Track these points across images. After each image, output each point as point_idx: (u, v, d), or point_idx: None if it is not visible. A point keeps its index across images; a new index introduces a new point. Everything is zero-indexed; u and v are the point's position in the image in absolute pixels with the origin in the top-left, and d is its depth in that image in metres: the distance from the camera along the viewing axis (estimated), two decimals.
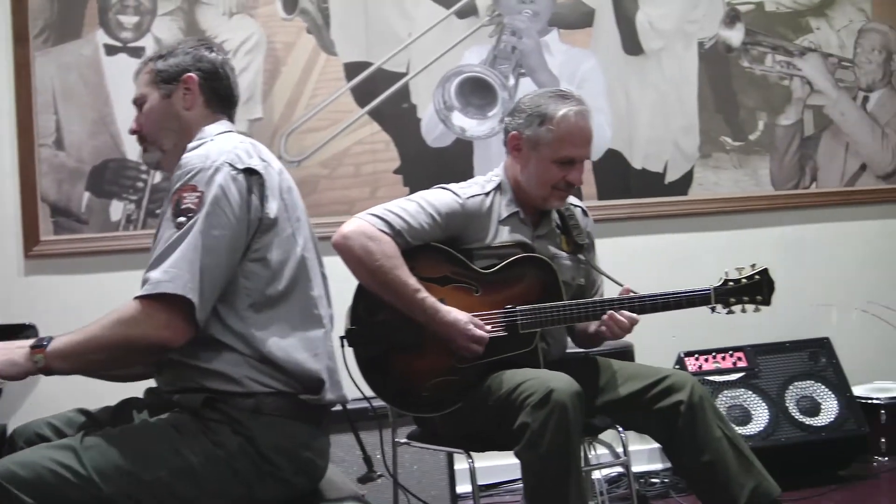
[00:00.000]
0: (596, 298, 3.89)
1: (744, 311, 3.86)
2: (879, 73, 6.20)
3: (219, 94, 3.14)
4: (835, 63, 6.14)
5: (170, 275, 2.75)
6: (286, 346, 2.92)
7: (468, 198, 3.86)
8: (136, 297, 2.77)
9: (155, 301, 2.75)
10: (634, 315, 3.79)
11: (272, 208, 2.94)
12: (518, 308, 3.76)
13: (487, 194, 3.90)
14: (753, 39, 6.01)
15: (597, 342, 4.06)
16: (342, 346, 3.65)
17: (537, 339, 3.79)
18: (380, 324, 3.76)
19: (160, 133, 3.11)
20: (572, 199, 4.08)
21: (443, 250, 3.82)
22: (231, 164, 2.88)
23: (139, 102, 3.14)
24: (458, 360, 3.73)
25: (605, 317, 3.78)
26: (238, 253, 2.88)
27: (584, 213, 4.16)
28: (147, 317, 2.76)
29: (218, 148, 2.93)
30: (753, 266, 3.88)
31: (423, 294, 3.68)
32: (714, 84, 5.98)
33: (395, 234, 3.71)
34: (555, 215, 4.03)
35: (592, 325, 3.92)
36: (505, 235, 3.88)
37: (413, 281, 3.68)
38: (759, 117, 6.04)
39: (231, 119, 3.18)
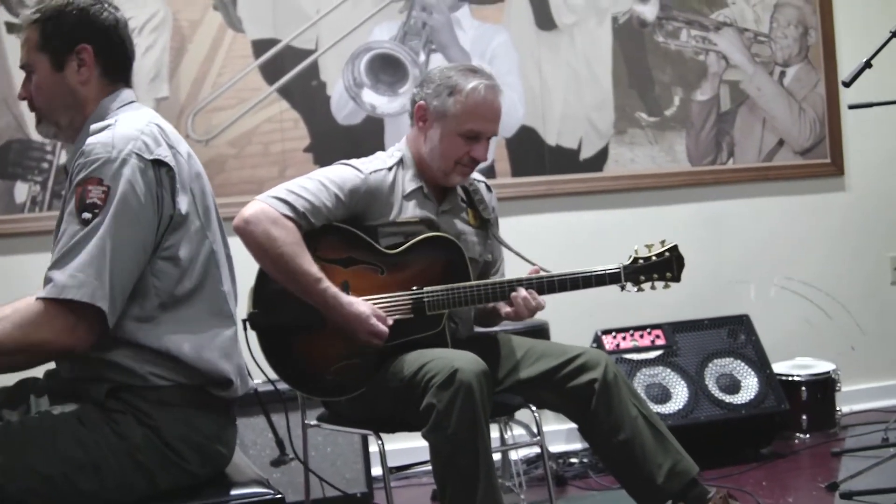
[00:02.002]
0: (505, 279, 3.82)
1: (653, 288, 3.86)
2: (796, 47, 6.18)
3: (116, 62, 2.95)
4: (751, 38, 6.12)
5: (77, 280, 2.62)
6: (196, 345, 2.82)
7: (370, 173, 3.79)
8: (40, 299, 2.65)
9: (60, 305, 2.62)
10: (542, 300, 3.77)
11: (183, 203, 2.81)
12: (425, 289, 3.72)
13: (390, 169, 3.84)
14: (668, 14, 5.97)
15: (495, 319, 4.03)
16: (244, 329, 3.60)
17: (445, 320, 3.75)
18: (282, 307, 3.69)
19: (54, 109, 2.92)
20: (476, 175, 4.03)
21: (346, 230, 3.75)
22: (138, 155, 2.73)
23: (27, 70, 2.94)
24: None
25: (514, 295, 3.73)
26: (148, 252, 2.75)
27: (488, 188, 4.12)
28: (51, 321, 2.63)
29: (123, 133, 2.76)
30: (663, 243, 3.89)
31: (325, 284, 3.61)
32: (628, 59, 5.94)
33: (299, 216, 3.64)
34: (459, 190, 3.99)
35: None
36: (409, 211, 3.82)
37: (315, 270, 3.60)
38: (675, 93, 6.01)
39: (129, 82, 3.00)
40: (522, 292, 3.73)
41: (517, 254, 4.01)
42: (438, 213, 3.89)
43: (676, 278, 3.87)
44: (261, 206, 3.64)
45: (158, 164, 2.76)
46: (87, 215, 2.67)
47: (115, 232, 2.66)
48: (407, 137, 3.97)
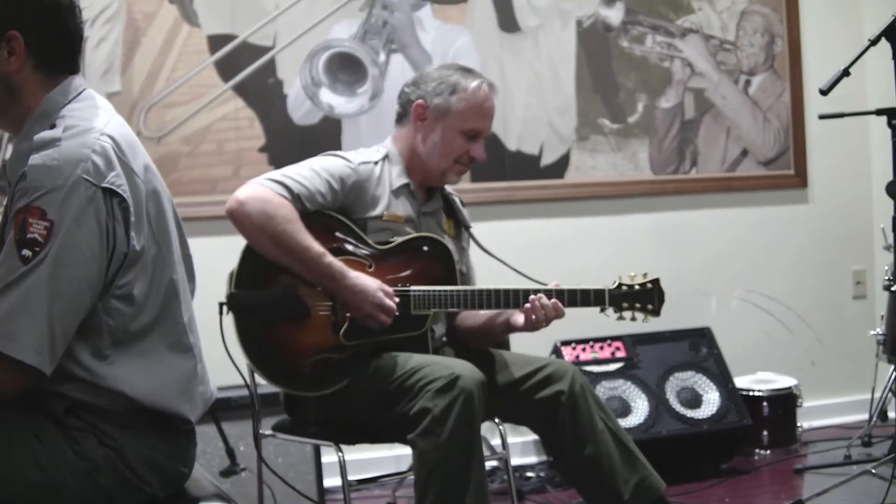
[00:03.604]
0: (494, 287, 3.75)
1: (633, 319, 3.84)
2: (762, 56, 6.12)
3: (54, 51, 2.64)
4: (716, 45, 6.05)
5: (7, 329, 2.40)
6: (152, 384, 2.63)
7: (360, 164, 3.78)
8: None
9: None
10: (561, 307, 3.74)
11: (139, 239, 2.57)
12: (412, 288, 3.68)
13: (376, 163, 3.82)
14: (633, 19, 5.89)
15: (493, 331, 3.95)
16: (220, 312, 3.54)
17: (429, 323, 3.70)
18: (266, 289, 3.63)
19: None
20: (450, 188, 4.04)
21: (337, 219, 3.72)
22: (87, 180, 2.45)
23: None
24: (345, 335, 3.60)
25: (538, 301, 3.69)
26: (95, 291, 2.51)
27: (462, 203, 4.12)
28: None
29: (71, 153, 2.47)
30: (645, 275, 3.87)
31: (329, 258, 3.57)
32: (592, 64, 5.85)
33: (294, 198, 3.60)
34: (441, 197, 4.00)
35: (491, 313, 3.88)
36: (396, 207, 3.80)
37: (317, 245, 3.56)
38: (639, 99, 5.93)
39: (75, 69, 2.68)
40: (544, 299, 3.69)
41: (504, 263, 3.97)
42: (420, 213, 3.87)
43: (656, 312, 3.86)
44: (255, 188, 3.60)
45: (110, 193, 2.51)
46: (26, 252, 2.42)
47: (56, 274, 2.43)
48: (393, 136, 3.95)
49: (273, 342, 3.62)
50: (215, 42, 5.33)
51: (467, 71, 3.91)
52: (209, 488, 2.89)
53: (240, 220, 3.55)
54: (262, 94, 5.38)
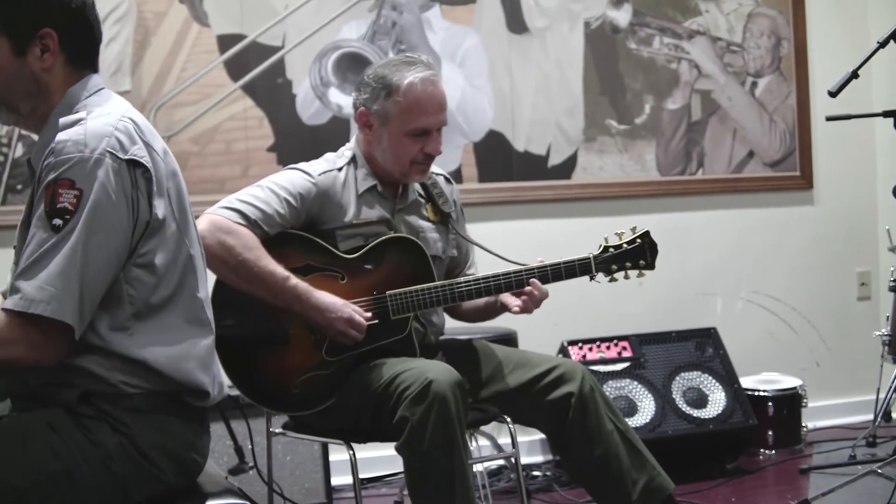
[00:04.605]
0: (469, 277, 3.73)
1: (626, 277, 3.77)
2: (768, 58, 6.14)
3: (82, 48, 2.75)
4: (723, 47, 6.06)
5: (46, 293, 2.47)
6: (172, 356, 2.69)
7: (319, 175, 3.70)
8: (7, 311, 2.50)
9: (28, 320, 2.49)
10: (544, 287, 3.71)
11: (160, 208, 2.65)
12: (388, 293, 3.63)
13: (340, 169, 3.75)
14: (641, 20, 5.90)
15: (492, 314, 3.93)
16: None
17: (411, 325, 3.66)
18: (242, 320, 3.60)
19: (15, 96, 2.71)
20: (434, 168, 3.92)
21: (302, 237, 3.66)
22: (112, 154, 2.55)
23: None
24: (328, 352, 3.59)
25: (528, 287, 3.68)
26: (121, 259, 2.60)
27: (448, 180, 4.03)
28: (18, 336, 2.50)
29: (96, 130, 2.57)
30: (634, 229, 3.81)
31: (294, 281, 3.52)
32: (600, 65, 5.86)
33: (252, 224, 3.55)
34: (416, 185, 3.90)
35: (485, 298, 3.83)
36: (366, 211, 3.73)
37: (280, 269, 3.51)
38: (646, 101, 5.95)
39: (96, 68, 2.80)
40: (537, 285, 3.68)
41: (480, 246, 3.95)
42: (395, 211, 3.80)
43: (650, 265, 3.80)
44: (211, 219, 3.54)
45: (134, 164, 2.60)
46: (57, 221, 2.51)
47: (87, 239, 2.52)
48: (356, 137, 3.86)
49: (259, 370, 3.61)
50: (225, 42, 5.34)
51: (405, 64, 3.73)
52: (222, 484, 2.90)
53: None
54: (271, 93, 5.39)
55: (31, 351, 2.51)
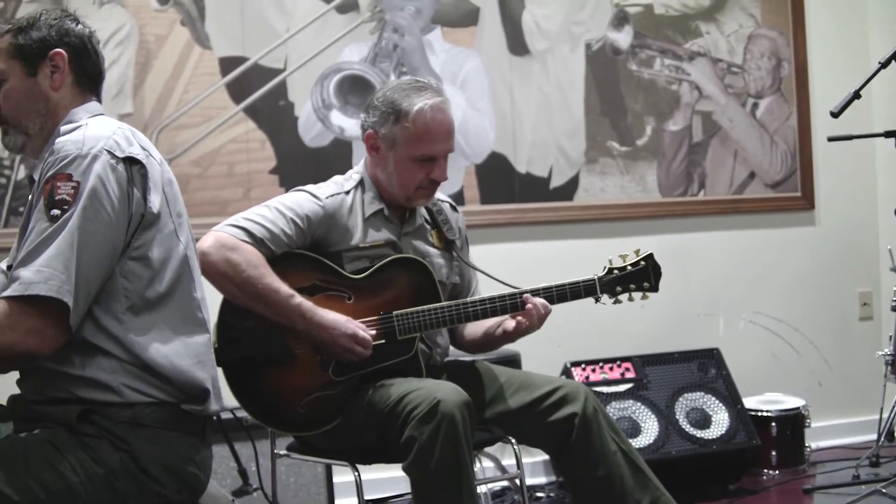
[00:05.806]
0: (475, 298, 3.75)
1: (631, 299, 3.79)
2: (769, 79, 6.15)
3: (87, 73, 2.90)
4: (724, 68, 6.07)
5: (43, 275, 2.55)
6: (168, 352, 2.73)
7: (327, 197, 3.70)
8: (5, 298, 2.56)
9: (25, 304, 2.55)
10: (547, 303, 3.70)
11: (155, 202, 2.74)
12: (394, 313, 3.63)
13: (347, 192, 3.75)
14: (642, 42, 5.92)
15: (495, 344, 3.92)
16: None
17: (417, 345, 3.65)
18: (248, 340, 3.60)
19: (24, 116, 2.84)
20: (440, 195, 3.94)
21: (309, 257, 3.66)
22: (110, 152, 2.67)
23: None
24: (334, 371, 3.58)
25: (528, 306, 3.66)
26: (117, 250, 2.68)
27: (454, 208, 4.03)
28: (16, 322, 2.55)
29: (94, 133, 2.70)
30: (637, 252, 3.82)
31: (298, 299, 3.51)
32: (601, 87, 5.87)
33: (257, 242, 3.55)
34: (422, 211, 3.89)
35: (489, 325, 3.83)
36: (372, 234, 3.72)
37: (285, 287, 3.51)
38: (647, 122, 5.95)
39: (99, 98, 2.94)
40: (535, 299, 3.66)
41: (483, 272, 3.93)
42: (401, 235, 3.79)
43: (654, 288, 3.81)
44: (217, 236, 3.55)
45: (130, 161, 2.71)
46: (55, 212, 2.61)
47: (84, 227, 2.61)
48: (365, 160, 3.85)
49: (265, 390, 3.60)
50: (226, 64, 5.35)
51: (416, 89, 3.72)
52: (225, 503, 2.91)
53: (206, 271, 3.41)
54: (273, 116, 5.39)
55: (29, 337, 2.57)
